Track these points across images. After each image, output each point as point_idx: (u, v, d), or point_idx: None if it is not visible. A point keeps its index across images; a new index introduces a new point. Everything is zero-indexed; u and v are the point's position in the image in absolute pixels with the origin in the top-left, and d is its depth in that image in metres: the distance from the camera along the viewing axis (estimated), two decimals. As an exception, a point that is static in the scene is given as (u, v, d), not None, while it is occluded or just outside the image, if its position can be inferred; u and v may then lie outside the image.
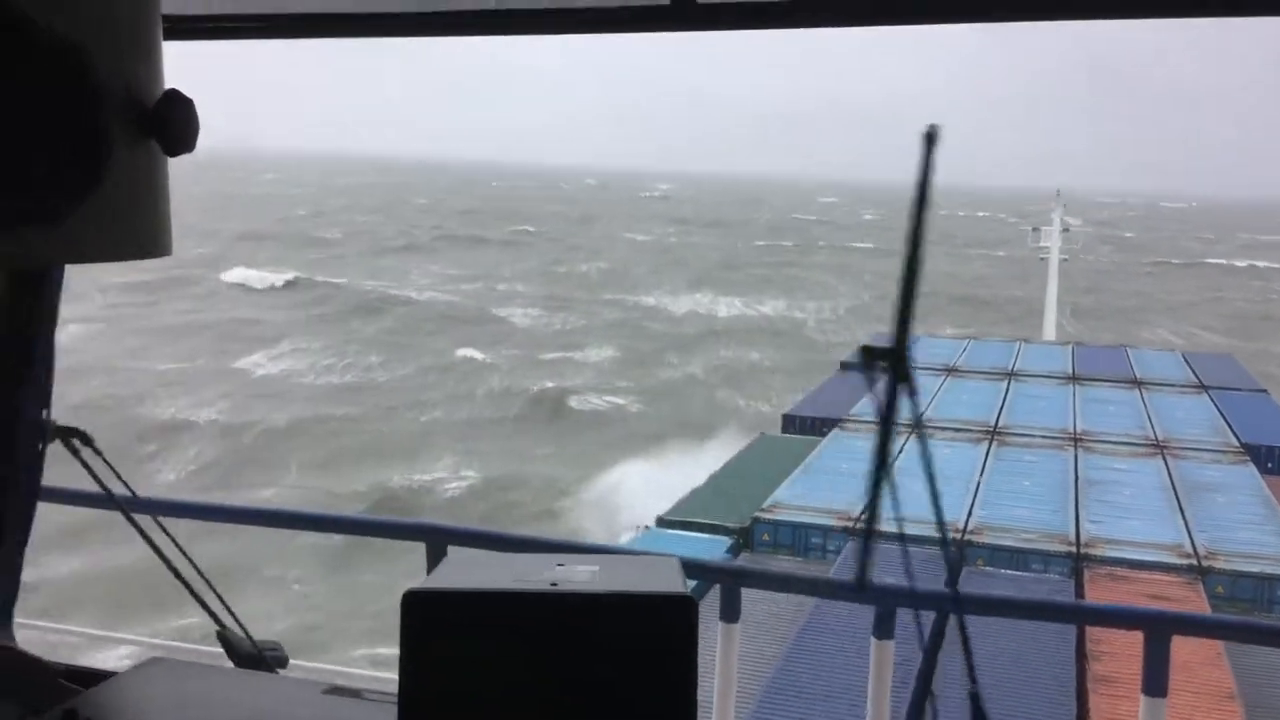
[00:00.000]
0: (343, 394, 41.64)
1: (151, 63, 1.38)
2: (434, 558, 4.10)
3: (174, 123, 1.38)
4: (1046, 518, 16.16)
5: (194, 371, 43.30)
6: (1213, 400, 24.37)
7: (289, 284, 64.77)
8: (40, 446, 2.25)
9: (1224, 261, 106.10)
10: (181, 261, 55.76)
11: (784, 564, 15.00)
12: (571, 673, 1.48)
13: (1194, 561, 14.60)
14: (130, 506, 2.40)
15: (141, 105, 1.35)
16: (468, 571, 1.62)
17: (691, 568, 1.75)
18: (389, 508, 27.61)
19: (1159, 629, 3.92)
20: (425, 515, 20.73)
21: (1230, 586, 14.22)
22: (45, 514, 2.43)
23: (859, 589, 3.78)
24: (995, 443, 20.38)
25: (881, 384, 1.29)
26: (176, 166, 1.49)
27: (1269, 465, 19.80)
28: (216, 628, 2.29)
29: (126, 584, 17.83)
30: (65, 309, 2.34)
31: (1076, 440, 20.65)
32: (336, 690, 2.05)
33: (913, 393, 1.31)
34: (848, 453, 19.26)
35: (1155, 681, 3.90)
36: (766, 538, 15.84)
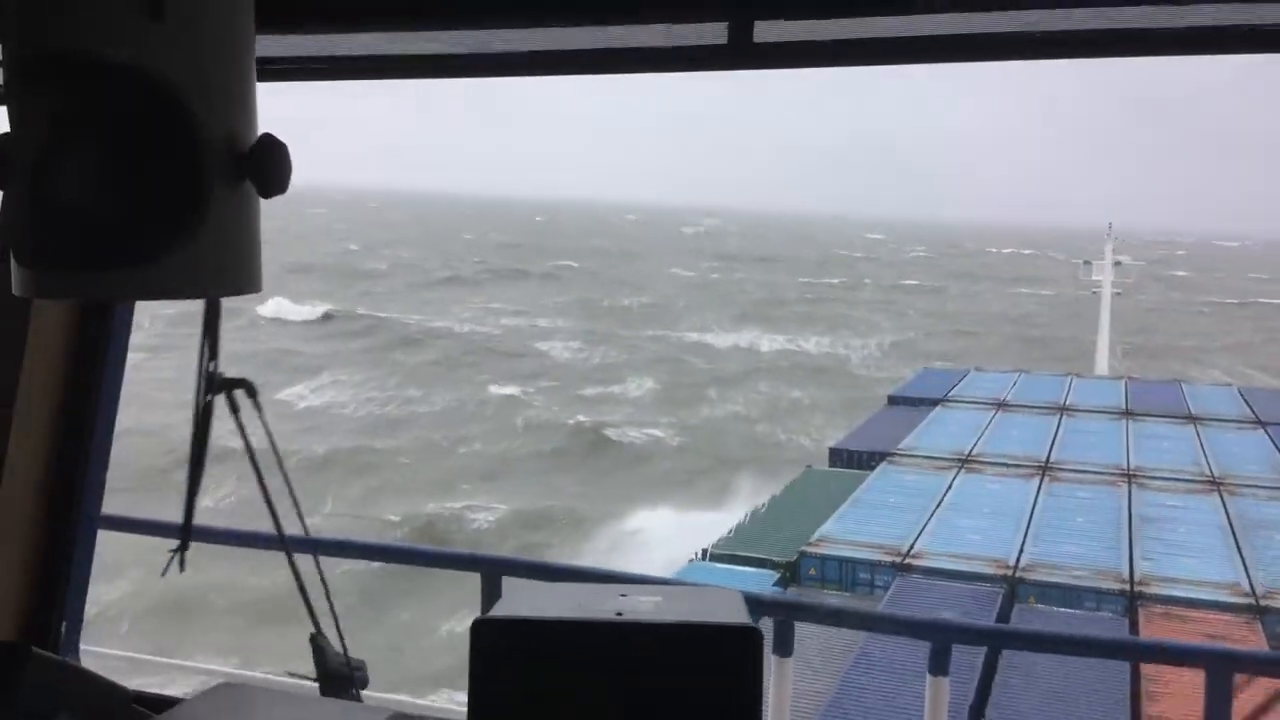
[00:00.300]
0: (381, 426, 41.62)
1: (247, 107, 1.41)
2: (489, 589, 4.22)
3: (269, 166, 1.40)
4: (1099, 555, 15.75)
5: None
6: (1270, 436, 23.82)
7: (325, 317, 64.78)
8: (208, 398, 2.26)
9: (1278, 302, 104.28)
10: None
11: (831, 599, 14.75)
12: (639, 701, 1.49)
13: (1252, 600, 14.21)
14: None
15: (239, 149, 1.38)
16: (532, 601, 1.62)
17: (745, 601, 1.67)
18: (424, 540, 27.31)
19: (1221, 667, 3.76)
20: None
21: (1290, 626, 13.75)
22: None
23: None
24: (1047, 478, 19.99)
25: None
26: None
27: (1330, 503, 19.07)
28: (311, 631, 2.26)
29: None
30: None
31: (1130, 476, 20.22)
32: (404, 718, 2.02)
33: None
34: (897, 486, 19.07)
35: None
36: (814, 572, 15.69)
